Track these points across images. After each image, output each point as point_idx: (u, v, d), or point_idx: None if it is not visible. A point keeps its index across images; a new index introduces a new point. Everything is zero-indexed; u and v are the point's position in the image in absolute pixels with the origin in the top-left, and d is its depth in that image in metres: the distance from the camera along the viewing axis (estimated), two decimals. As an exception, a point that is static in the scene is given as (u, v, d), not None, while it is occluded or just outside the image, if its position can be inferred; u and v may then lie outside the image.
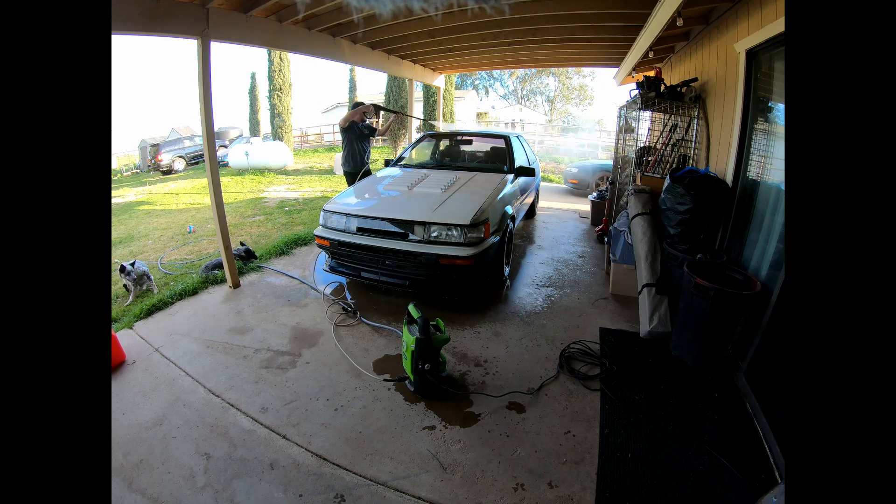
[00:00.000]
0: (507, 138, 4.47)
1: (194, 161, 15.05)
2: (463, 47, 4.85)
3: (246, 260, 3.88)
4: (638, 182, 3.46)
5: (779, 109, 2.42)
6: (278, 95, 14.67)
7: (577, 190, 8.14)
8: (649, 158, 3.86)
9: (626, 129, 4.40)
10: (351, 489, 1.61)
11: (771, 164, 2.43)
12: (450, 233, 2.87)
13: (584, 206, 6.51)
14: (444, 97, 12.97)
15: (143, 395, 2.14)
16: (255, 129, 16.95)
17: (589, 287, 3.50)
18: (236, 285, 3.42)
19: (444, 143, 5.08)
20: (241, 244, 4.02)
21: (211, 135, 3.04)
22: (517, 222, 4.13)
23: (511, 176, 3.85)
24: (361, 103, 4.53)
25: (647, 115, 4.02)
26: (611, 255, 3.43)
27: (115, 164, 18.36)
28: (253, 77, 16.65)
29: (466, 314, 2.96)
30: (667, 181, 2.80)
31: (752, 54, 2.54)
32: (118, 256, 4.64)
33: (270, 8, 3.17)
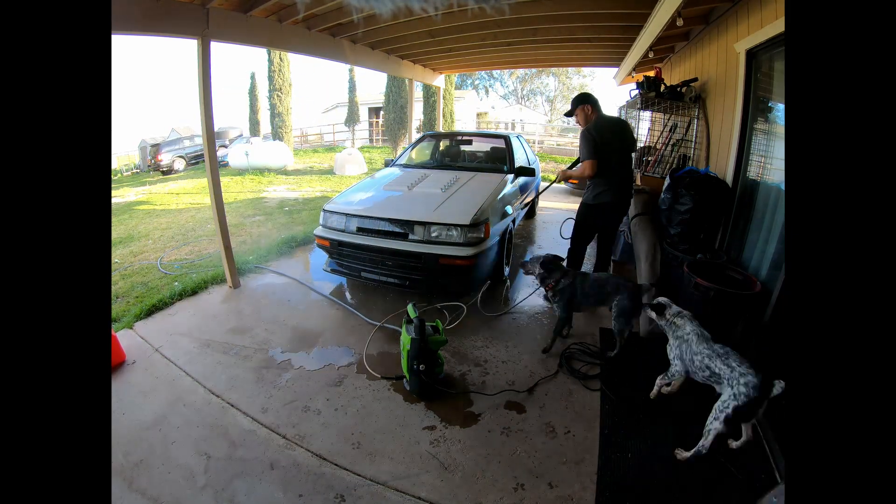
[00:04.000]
0: (506, 138, 4.47)
1: (194, 161, 15.04)
2: (463, 47, 4.85)
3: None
4: (638, 182, 3.47)
5: (779, 109, 2.42)
6: (278, 95, 14.67)
7: (577, 190, 8.14)
8: (649, 158, 3.86)
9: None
10: (351, 489, 1.61)
11: (771, 164, 2.44)
12: (450, 233, 2.87)
13: (584, 206, 6.49)
14: (444, 97, 12.96)
15: (143, 395, 2.14)
16: (255, 129, 16.94)
17: (589, 287, 3.50)
18: (236, 285, 3.42)
19: (444, 143, 5.08)
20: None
21: (211, 135, 3.04)
22: (517, 222, 4.13)
23: (511, 176, 3.85)
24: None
25: (647, 115, 4.03)
26: (611, 256, 3.43)
27: (115, 164, 18.35)
28: (253, 77, 16.64)
29: (466, 314, 2.95)
30: (667, 181, 2.80)
31: (752, 54, 2.54)
32: (118, 256, 4.64)
33: (270, 8, 3.17)
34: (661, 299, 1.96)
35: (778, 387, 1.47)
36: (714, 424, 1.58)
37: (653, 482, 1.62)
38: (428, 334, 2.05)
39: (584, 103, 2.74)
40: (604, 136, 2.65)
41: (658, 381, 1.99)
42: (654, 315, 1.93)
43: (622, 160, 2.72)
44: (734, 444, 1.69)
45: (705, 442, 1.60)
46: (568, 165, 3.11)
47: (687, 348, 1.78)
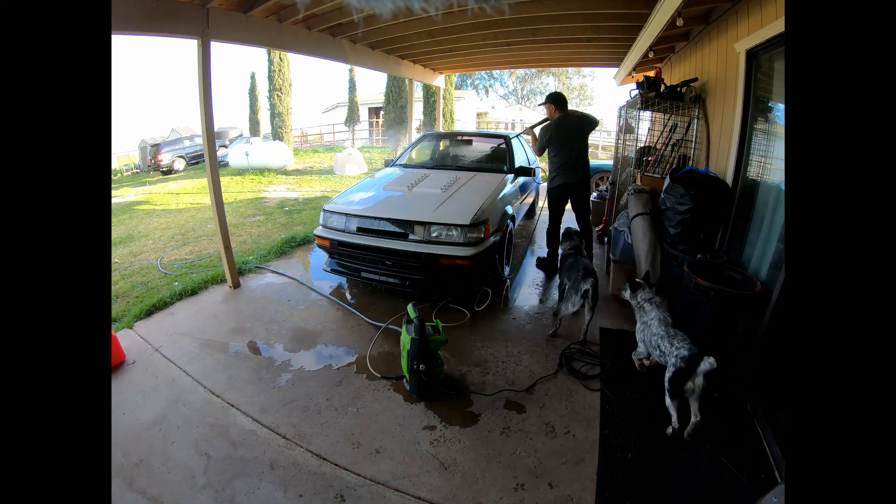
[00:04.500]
0: (507, 138, 4.47)
1: (194, 161, 15.04)
2: (463, 47, 4.85)
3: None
4: (638, 182, 3.47)
5: (779, 109, 2.42)
6: (278, 95, 14.67)
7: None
8: (649, 158, 3.86)
9: (626, 129, 4.40)
10: (351, 489, 1.61)
11: (771, 164, 2.43)
12: (450, 233, 2.87)
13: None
14: (444, 97, 12.96)
15: (143, 395, 2.14)
16: (255, 129, 16.94)
17: (589, 287, 3.50)
18: (236, 285, 3.42)
19: (444, 143, 5.08)
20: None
21: (211, 135, 3.04)
22: (517, 222, 4.13)
23: (511, 176, 3.85)
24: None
25: (647, 115, 4.02)
26: (611, 255, 3.43)
27: (115, 164, 18.35)
28: (253, 77, 16.64)
29: (466, 314, 2.95)
30: (667, 181, 2.80)
31: (752, 54, 2.54)
32: (118, 256, 4.65)
33: (270, 8, 3.17)
34: (640, 281, 2.23)
35: (706, 363, 1.65)
36: (667, 400, 1.80)
37: (653, 482, 1.62)
38: (428, 334, 2.05)
39: (552, 102, 3.50)
40: (558, 134, 3.38)
41: (634, 357, 2.26)
42: (627, 293, 2.21)
43: (577, 154, 3.42)
44: (686, 428, 1.78)
45: (673, 418, 1.80)
46: (535, 124, 3.75)
47: (647, 330, 2.03)
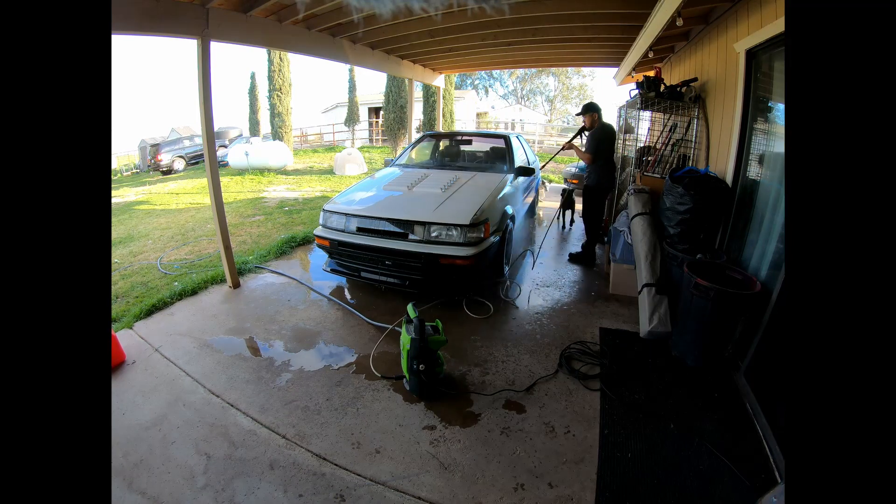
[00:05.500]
0: (506, 138, 4.47)
1: (194, 161, 15.04)
2: (463, 47, 4.85)
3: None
4: (638, 182, 3.46)
5: (779, 109, 2.42)
6: (278, 95, 14.66)
7: (578, 190, 8.13)
8: (649, 158, 3.86)
9: (626, 129, 4.40)
10: (351, 489, 1.61)
11: (771, 164, 2.43)
12: (450, 233, 2.87)
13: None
14: (443, 97, 12.97)
15: (143, 395, 2.14)
16: (254, 129, 16.94)
17: (589, 287, 3.50)
18: (236, 285, 3.42)
19: (443, 143, 5.08)
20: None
21: (211, 135, 3.04)
22: (517, 222, 4.13)
23: (511, 176, 3.85)
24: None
25: (646, 115, 4.02)
26: (611, 255, 3.43)
27: (115, 164, 18.35)
28: (253, 77, 16.64)
29: (466, 314, 2.96)
30: (667, 181, 2.80)
31: (751, 54, 2.54)
32: (118, 256, 4.64)
33: (270, 8, 3.17)
34: None
35: None
36: None
37: (653, 482, 1.62)
38: (428, 334, 2.05)
39: (594, 111, 3.83)
40: (604, 139, 3.77)
41: None
42: None
43: (609, 156, 3.86)
44: None
45: None
46: (571, 138, 4.21)
47: None
